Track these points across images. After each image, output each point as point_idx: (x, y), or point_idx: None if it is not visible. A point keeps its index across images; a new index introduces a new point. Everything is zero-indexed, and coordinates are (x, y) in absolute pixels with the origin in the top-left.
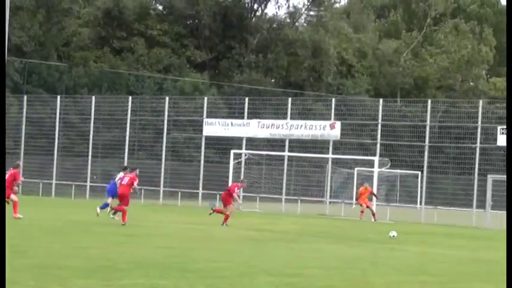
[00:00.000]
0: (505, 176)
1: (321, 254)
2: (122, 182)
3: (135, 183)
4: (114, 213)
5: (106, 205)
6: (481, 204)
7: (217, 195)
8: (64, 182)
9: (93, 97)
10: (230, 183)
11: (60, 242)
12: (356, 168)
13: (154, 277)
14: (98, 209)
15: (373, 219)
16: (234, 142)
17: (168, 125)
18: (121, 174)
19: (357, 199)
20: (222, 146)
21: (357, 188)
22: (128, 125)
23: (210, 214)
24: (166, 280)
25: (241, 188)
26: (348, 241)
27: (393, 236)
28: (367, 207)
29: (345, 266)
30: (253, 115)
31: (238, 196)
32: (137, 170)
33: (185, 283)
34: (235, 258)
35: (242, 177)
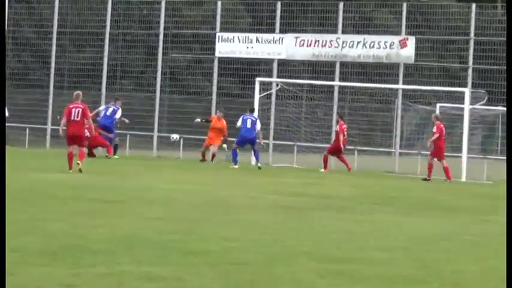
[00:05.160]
0: None
1: (386, 229)
2: (74, 118)
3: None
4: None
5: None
6: None
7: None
8: (16, 125)
9: (56, 1)
10: None
11: (13, 210)
12: (438, 105)
13: (145, 263)
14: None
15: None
16: (260, 67)
17: (164, 42)
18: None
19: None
20: (243, 72)
21: None
22: (107, 41)
23: None
24: (162, 267)
25: None
26: (425, 211)
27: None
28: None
29: (420, 247)
30: (288, 27)
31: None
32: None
33: (189, 271)
34: (262, 235)
35: (273, 116)
